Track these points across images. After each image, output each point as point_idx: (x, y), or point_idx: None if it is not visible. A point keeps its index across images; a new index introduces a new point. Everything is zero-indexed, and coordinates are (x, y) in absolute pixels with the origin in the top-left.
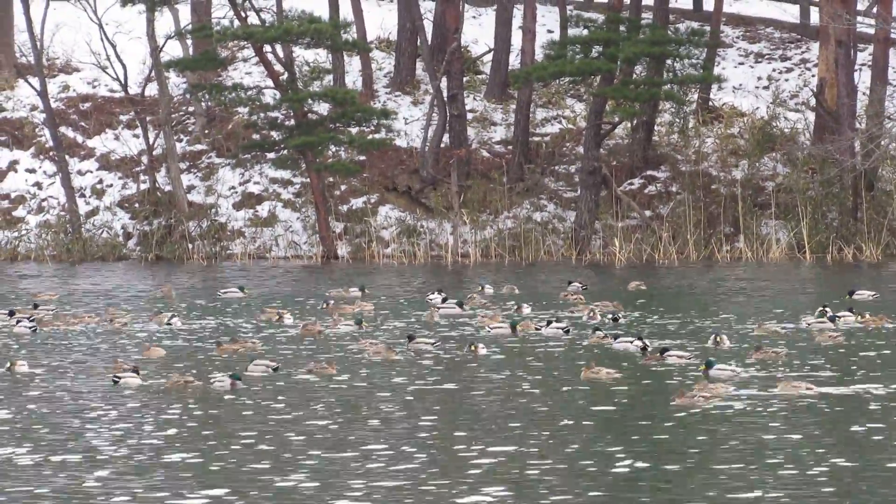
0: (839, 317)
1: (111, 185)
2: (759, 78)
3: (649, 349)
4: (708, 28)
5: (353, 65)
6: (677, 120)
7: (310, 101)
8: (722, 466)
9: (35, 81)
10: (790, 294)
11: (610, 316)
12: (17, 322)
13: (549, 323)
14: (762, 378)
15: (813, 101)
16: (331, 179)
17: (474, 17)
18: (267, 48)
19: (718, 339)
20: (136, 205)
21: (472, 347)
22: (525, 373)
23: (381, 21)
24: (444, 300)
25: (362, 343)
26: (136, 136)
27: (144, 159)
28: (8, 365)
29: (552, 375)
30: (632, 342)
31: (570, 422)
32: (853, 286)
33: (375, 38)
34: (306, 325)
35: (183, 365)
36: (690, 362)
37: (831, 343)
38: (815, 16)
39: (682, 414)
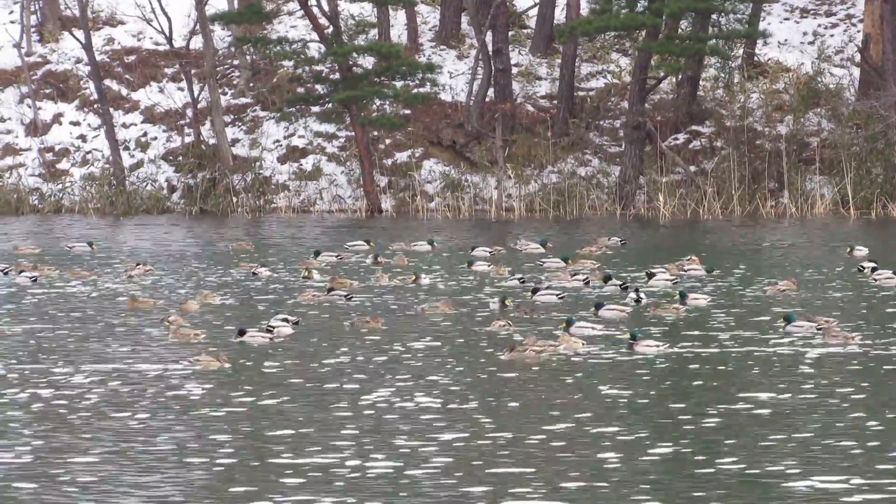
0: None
1: (155, 138)
2: (805, 33)
3: (510, 302)
4: None
5: (398, 18)
6: (722, 75)
7: (355, 54)
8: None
9: (80, 34)
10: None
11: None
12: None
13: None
14: (616, 336)
15: (858, 57)
16: (375, 133)
17: None
18: (312, 1)
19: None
20: (181, 158)
21: (506, 302)
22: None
23: None
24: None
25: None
26: (181, 89)
27: (189, 112)
28: None
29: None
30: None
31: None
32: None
33: None
34: (335, 279)
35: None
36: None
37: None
38: None
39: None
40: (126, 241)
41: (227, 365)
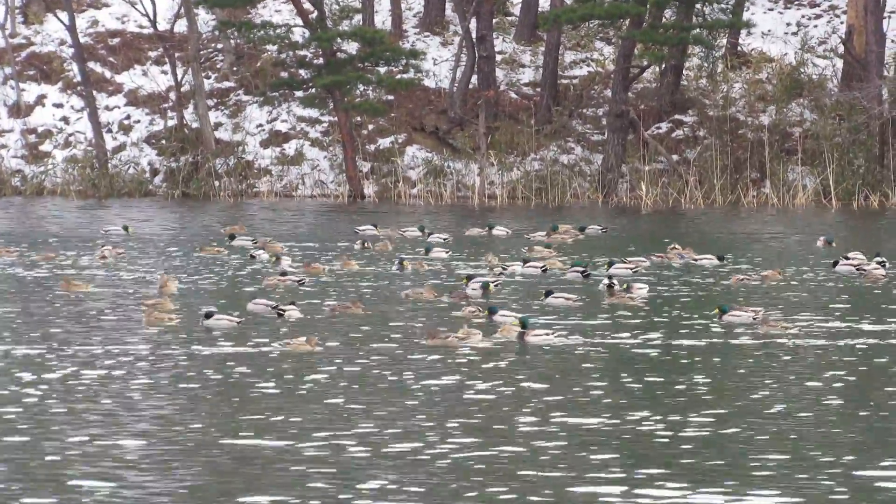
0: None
1: (138, 121)
2: (788, 24)
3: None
4: None
5: (382, 4)
6: (706, 64)
7: (339, 40)
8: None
9: (64, 16)
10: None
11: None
12: None
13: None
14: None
15: (841, 48)
16: (358, 119)
17: None
18: None
19: None
20: (163, 141)
21: (489, 288)
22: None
23: None
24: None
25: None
26: (165, 72)
27: (172, 96)
28: None
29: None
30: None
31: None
32: (827, 234)
33: None
34: (310, 264)
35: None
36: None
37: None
38: None
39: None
40: (153, 223)
41: (319, 347)
